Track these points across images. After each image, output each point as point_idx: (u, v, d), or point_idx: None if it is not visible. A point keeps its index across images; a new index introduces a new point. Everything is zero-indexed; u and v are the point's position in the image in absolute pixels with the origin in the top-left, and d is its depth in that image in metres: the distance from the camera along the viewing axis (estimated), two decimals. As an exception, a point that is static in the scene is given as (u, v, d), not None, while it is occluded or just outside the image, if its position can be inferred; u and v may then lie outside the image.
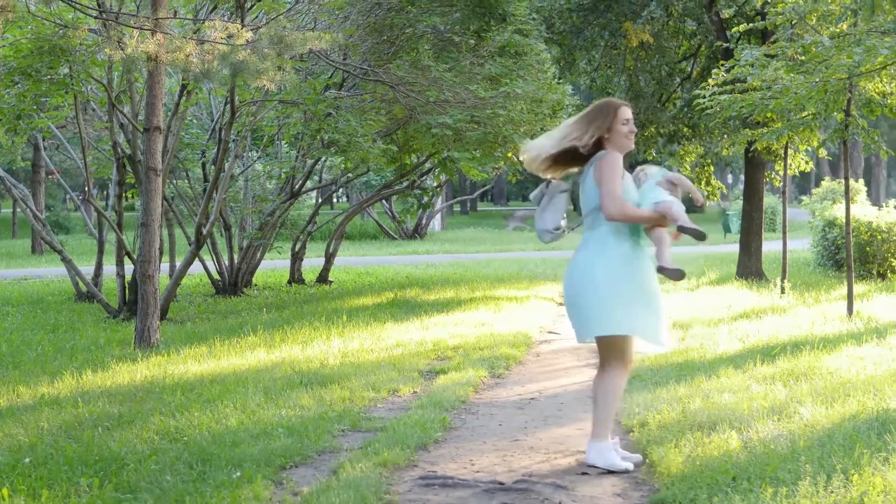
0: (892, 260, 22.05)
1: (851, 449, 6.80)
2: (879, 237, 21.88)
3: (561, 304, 19.01)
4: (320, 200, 27.35)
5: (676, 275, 7.23)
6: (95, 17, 11.21)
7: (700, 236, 7.18)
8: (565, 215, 7.45)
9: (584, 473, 7.00)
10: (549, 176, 7.46)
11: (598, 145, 7.25)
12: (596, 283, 7.03)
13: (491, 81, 19.35)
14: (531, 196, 7.61)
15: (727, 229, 44.89)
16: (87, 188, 18.41)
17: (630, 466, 7.08)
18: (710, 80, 16.64)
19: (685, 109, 23.67)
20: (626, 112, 7.25)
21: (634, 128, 7.27)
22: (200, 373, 10.84)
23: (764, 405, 8.45)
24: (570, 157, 7.36)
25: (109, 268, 20.04)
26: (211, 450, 7.31)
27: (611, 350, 7.18)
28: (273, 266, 27.55)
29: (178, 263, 17.94)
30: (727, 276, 23.12)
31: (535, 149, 7.44)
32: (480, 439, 8.12)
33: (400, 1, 18.63)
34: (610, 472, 7.00)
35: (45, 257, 35.94)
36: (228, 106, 17.22)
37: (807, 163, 22.75)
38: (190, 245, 17.29)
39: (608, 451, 7.11)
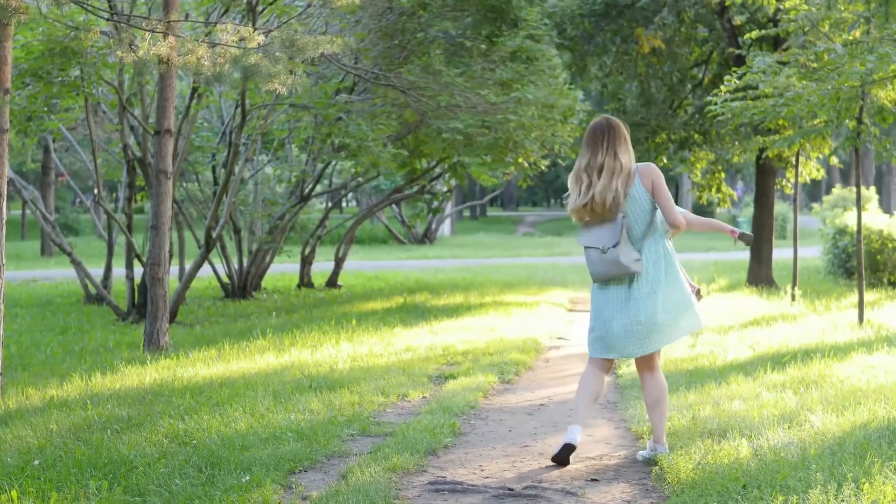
0: (903, 268, 21.99)
1: (862, 457, 6.78)
2: (890, 245, 21.79)
3: (571, 311, 19.01)
4: (330, 204, 27.33)
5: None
6: (107, 20, 11.19)
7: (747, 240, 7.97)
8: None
9: (593, 480, 6.99)
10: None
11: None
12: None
13: (502, 87, 19.33)
14: (601, 243, 7.33)
15: (737, 236, 44.72)
16: (96, 190, 18.42)
17: None
18: (721, 87, 16.65)
19: (696, 116, 23.65)
20: None
21: None
22: (209, 376, 10.84)
23: (774, 413, 8.43)
24: None
25: (119, 270, 20.05)
26: (220, 453, 7.32)
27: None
28: (282, 270, 27.56)
29: (188, 266, 17.94)
30: (737, 284, 23.08)
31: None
32: (490, 445, 8.11)
33: (412, 5, 18.63)
34: (619, 478, 7.01)
35: (54, 259, 35.98)
36: (239, 109, 17.23)
37: (818, 170, 22.69)
38: (199, 248, 17.29)
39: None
